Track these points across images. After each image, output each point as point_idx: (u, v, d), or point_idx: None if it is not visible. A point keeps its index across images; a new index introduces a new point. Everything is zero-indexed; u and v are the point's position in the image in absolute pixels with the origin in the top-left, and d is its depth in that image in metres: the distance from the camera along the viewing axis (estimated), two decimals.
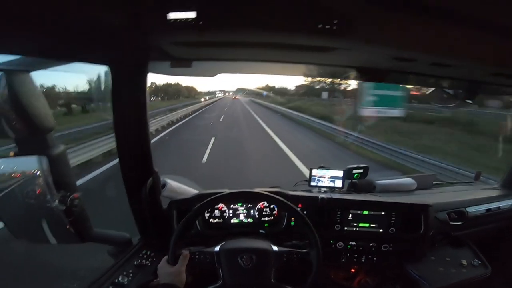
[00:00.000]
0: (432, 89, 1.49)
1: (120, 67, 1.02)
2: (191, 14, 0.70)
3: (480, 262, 1.40)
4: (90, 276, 1.15)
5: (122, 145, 1.14)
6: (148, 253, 1.25)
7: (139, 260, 1.21)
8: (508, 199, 1.67)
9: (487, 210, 1.59)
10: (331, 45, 0.89)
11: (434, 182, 1.81)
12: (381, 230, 1.37)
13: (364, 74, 1.26)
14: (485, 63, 1.04)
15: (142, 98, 1.09)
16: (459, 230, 1.52)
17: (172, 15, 0.70)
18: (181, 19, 0.70)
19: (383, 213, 1.36)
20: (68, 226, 1.03)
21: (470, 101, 1.38)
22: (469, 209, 1.55)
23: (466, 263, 1.38)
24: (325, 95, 28.24)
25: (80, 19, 0.69)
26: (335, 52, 0.94)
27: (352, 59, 1.11)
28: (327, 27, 0.72)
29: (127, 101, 1.07)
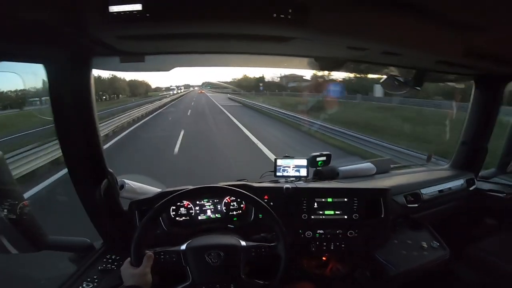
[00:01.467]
0: (385, 77, 1.56)
1: (58, 65, 0.94)
2: (136, 7, 0.66)
3: (438, 244, 1.48)
4: (51, 285, 1.11)
5: (67, 149, 1.07)
6: (113, 257, 1.20)
7: (104, 265, 1.16)
8: (458, 179, 1.79)
9: (440, 191, 1.68)
10: (288, 34, 0.89)
11: (392, 166, 1.90)
12: (346, 217, 1.40)
13: (322, 64, 1.28)
14: (429, 51, 1.11)
15: (86, 96, 1.03)
16: (416, 213, 1.60)
17: (115, 8, 0.66)
18: (125, 12, 0.66)
19: (346, 199, 1.40)
20: (20, 235, 0.99)
21: (418, 88, 1.48)
22: (423, 191, 1.63)
23: (426, 246, 1.45)
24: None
25: (10, 13, 0.62)
26: (292, 42, 0.95)
27: (309, 49, 1.13)
28: (282, 16, 0.72)
29: (69, 100, 1.00)
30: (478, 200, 1.83)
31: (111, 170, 1.19)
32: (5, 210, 0.93)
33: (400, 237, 1.51)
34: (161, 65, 1.28)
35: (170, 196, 1.05)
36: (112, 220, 1.21)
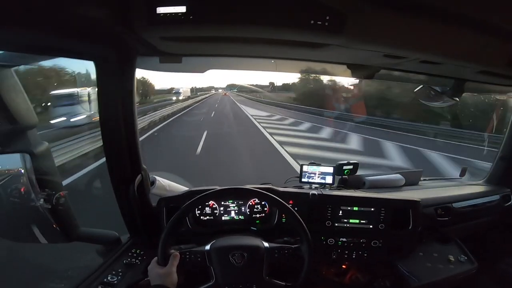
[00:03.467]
0: (421, 86, 1.51)
1: (106, 63, 0.99)
2: (181, 9, 0.69)
3: (466, 258, 1.42)
4: (78, 276, 1.13)
5: (109, 143, 1.12)
6: (137, 251, 1.23)
7: (129, 259, 1.19)
8: (493, 194, 1.70)
9: (473, 205, 1.61)
10: (323, 41, 0.89)
11: (422, 178, 1.84)
12: (371, 226, 1.38)
13: (355, 71, 1.26)
14: (472, 61, 1.06)
15: (130, 94, 1.07)
16: (446, 226, 1.54)
17: (161, 10, 0.69)
18: (170, 14, 0.69)
19: (372, 209, 1.37)
20: (54, 225, 1.02)
21: (457, 99, 1.41)
22: (455, 205, 1.57)
23: (453, 259, 1.40)
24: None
25: (65, 12, 0.67)
26: (327, 48, 0.94)
27: (343, 56, 1.12)
28: (319, 23, 0.73)
29: (114, 97, 1.05)
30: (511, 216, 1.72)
31: (145, 167, 1.23)
32: (42, 200, 0.96)
33: (426, 249, 1.47)
34: (196, 67, 1.32)
35: (199, 196, 1.07)
36: (141, 215, 1.24)
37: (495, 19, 0.72)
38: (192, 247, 1.11)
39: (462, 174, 1.89)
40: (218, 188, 1.14)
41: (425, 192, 1.67)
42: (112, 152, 1.13)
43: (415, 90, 1.55)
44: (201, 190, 1.17)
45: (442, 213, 1.53)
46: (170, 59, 1.09)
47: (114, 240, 1.30)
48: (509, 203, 1.73)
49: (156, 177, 1.37)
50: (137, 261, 1.19)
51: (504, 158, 1.75)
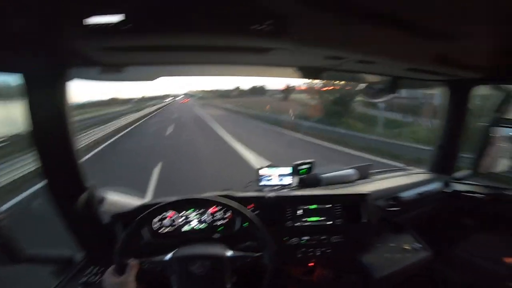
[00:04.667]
0: (365, 84, 1.62)
1: (35, 76, 0.93)
2: (118, 18, 0.66)
3: (420, 245, 1.52)
4: None
5: (45, 161, 1.04)
6: (95, 269, 1.17)
7: (86, 278, 1.13)
8: (435, 181, 1.85)
9: (418, 194, 1.72)
10: (267, 45, 0.91)
11: (371, 171, 1.94)
12: (330, 223, 1.42)
13: (304, 73, 1.31)
14: (400, 59, 1.17)
15: (63, 107, 1.01)
16: (397, 216, 1.63)
17: (96, 19, 0.65)
18: (107, 24, 0.66)
19: (329, 205, 1.42)
20: None
21: (394, 94, 1.53)
22: (403, 194, 1.66)
23: (408, 248, 1.49)
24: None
25: None
26: (271, 52, 0.97)
27: (289, 59, 1.15)
28: (261, 28, 0.74)
29: (46, 111, 0.98)
30: (454, 201, 1.88)
31: (91, 183, 1.17)
32: None
33: (383, 240, 1.54)
34: (144, 75, 1.29)
35: (152, 208, 1.04)
36: (94, 233, 1.19)
37: (418, 19, 0.79)
38: (151, 257, 1.07)
39: (407, 164, 2.04)
40: (174, 199, 1.11)
41: (375, 184, 1.76)
42: (50, 172, 1.06)
43: (360, 89, 1.66)
44: (156, 203, 1.13)
45: (393, 203, 1.62)
46: (111, 69, 1.05)
47: (67, 260, 1.23)
48: (450, 189, 1.87)
49: (106, 193, 1.31)
50: (95, 279, 1.13)
51: (442, 147, 1.92)
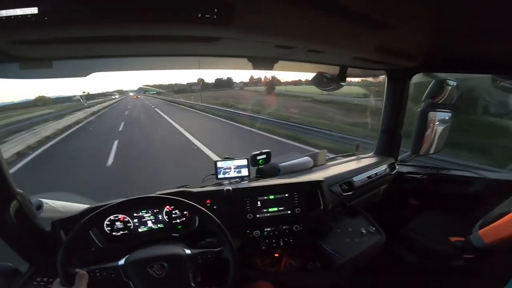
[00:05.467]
0: (315, 74, 1.66)
1: None
2: (31, 10, 0.59)
3: (374, 228, 1.60)
4: None
5: None
6: (44, 279, 1.08)
7: None
8: (381, 164, 1.98)
9: (368, 177, 1.82)
10: (214, 34, 0.89)
11: (326, 157, 2.03)
12: (289, 212, 1.44)
13: (255, 63, 1.30)
14: (347, 48, 1.22)
15: None
16: (351, 200, 1.71)
17: (4, 12, 0.59)
18: (17, 16, 0.59)
19: (287, 195, 1.44)
20: None
21: (343, 83, 1.60)
22: (355, 179, 1.75)
23: (365, 231, 1.55)
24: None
25: None
26: (220, 41, 0.94)
27: (239, 49, 1.13)
28: (207, 16, 0.71)
29: None
30: (400, 182, 2.04)
31: (20, 191, 1.07)
32: None
33: (341, 225, 1.59)
34: (74, 71, 1.16)
35: (95, 212, 0.97)
36: (34, 242, 1.10)
37: (361, 10, 0.82)
38: (102, 264, 1.00)
39: (356, 149, 2.17)
40: (119, 200, 1.04)
41: (330, 170, 1.83)
42: None
43: (311, 79, 1.70)
44: (102, 205, 1.06)
45: (346, 188, 1.69)
46: (35, 65, 0.94)
47: (11, 272, 1.13)
48: (395, 171, 2.03)
49: (43, 200, 1.18)
50: None
51: (384, 131, 2.07)
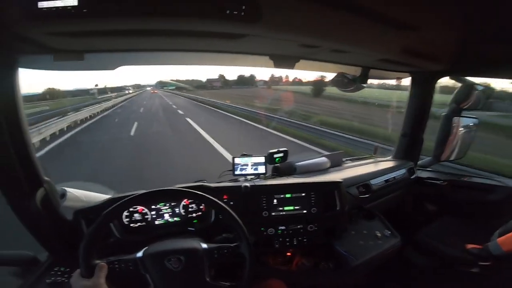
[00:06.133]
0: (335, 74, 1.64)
1: None
2: (71, 2, 0.61)
3: (390, 232, 1.58)
4: None
5: None
6: (61, 269, 1.10)
7: (52, 278, 1.06)
8: (400, 168, 1.94)
9: (386, 181, 1.80)
10: (240, 31, 0.89)
11: (343, 159, 2.01)
12: (305, 211, 1.43)
13: (277, 61, 1.29)
14: (372, 49, 1.20)
15: (13, 98, 0.93)
16: (368, 203, 1.69)
17: (45, 4, 0.60)
18: (57, 8, 0.61)
19: (303, 194, 1.43)
20: None
21: (364, 85, 1.58)
22: (372, 181, 1.72)
23: (380, 235, 1.54)
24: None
25: None
26: (245, 39, 0.94)
27: (263, 46, 1.13)
28: (235, 12, 0.71)
29: None
30: (419, 188, 1.99)
31: (47, 178, 1.09)
32: None
33: (356, 228, 1.57)
34: (104, 64, 1.20)
35: (118, 203, 0.98)
36: (56, 231, 1.12)
37: (389, 11, 0.81)
38: (121, 256, 1.01)
39: (375, 152, 2.13)
40: (141, 192, 1.06)
41: (347, 172, 1.81)
42: (2, 168, 0.97)
43: (331, 79, 1.69)
44: (123, 197, 1.07)
45: (363, 190, 1.67)
46: (68, 57, 0.96)
47: (30, 260, 1.14)
48: (414, 175, 1.99)
49: (67, 188, 1.21)
50: (63, 279, 1.06)
51: (405, 135, 2.02)
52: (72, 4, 0.61)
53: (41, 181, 1.07)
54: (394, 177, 1.86)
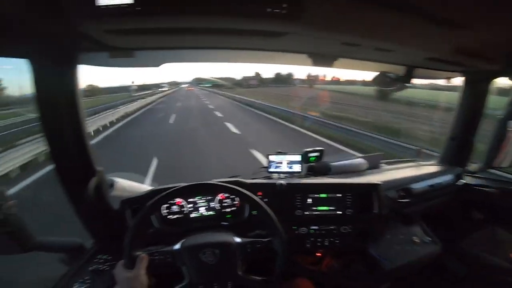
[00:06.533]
0: (377, 73, 1.58)
1: (42, 61, 0.91)
2: (126, 0, 0.64)
3: (430, 239, 1.51)
4: (42, 287, 1.07)
5: (54, 148, 1.04)
6: (104, 257, 1.17)
7: (95, 266, 1.13)
8: (446, 174, 1.83)
9: (430, 186, 1.70)
10: (281, 29, 0.88)
11: (382, 161, 1.93)
12: (340, 212, 1.40)
13: (315, 60, 1.28)
14: (420, 48, 1.13)
15: (73, 93, 1.00)
16: (407, 207, 1.61)
17: (103, 1, 0.64)
18: (114, 5, 0.64)
19: (339, 195, 1.40)
20: (6, 236, 0.96)
21: (408, 84, 1.50)
22: (414, 186, 1.64)
23: (418, 240, 1.48)
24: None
25: None
26: (285, 37, 0.94)
27: (302, 45, 1.12)
28: (276, 11, 0.71)
29: (54, 97, 0.97)
30: (466, 194, 1.86)
31: (100, 168, 1.17)
32: None
33: (392, 232, 1.53)
34: (150, 61, 1.25)
35: (162, 194, 1.02)
36: (103, 219, 1.19)
37: (441, 9, 0.77)
38: (160, 247, 1.07)
39: (418, 155, 2.02)
40: (183, 184, 1.10)
41: (386, 174, 1.74)
42: (59, 158, 1.05)
43: (373, 78, 1.63)
44: (164, 188, 1.13)
45: (403, 194, 1.60)
46: (121, 54, 1.02)
47: (77, 247, 1.22)
48: (461, 181, 1.86)
49: (114, 178, 1.30)
50: (104, 267, 1.13)
51: (454, 138, 1.88)
52: (127, 2, 0.64)
53: (95, 170, 1.14)
54: (439, 182, 1.76)
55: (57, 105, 0.98)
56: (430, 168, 1.91)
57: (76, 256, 1.20)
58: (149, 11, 0.68)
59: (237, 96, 25.99)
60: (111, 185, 1.27)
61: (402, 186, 1.62)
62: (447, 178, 1.81)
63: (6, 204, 0.94)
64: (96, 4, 0.64)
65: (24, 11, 0.63)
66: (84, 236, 1.24)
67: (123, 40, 0.92)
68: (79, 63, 1.00)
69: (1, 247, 1.03)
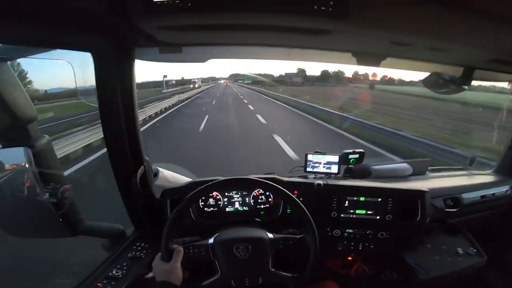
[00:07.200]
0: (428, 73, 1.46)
1: (104, 54, 0.97)
2: None
3: (475, 250, 1.40)
4: (83, 270, 1.13)
5: (109, 136, 1.11)
6: (142, 244, 1.24)
7: (133, 252, 1.20)
8: (503, 185, 1.67)
9: (482, 196, 1.58)
10: (327, 27, 0.86)
11: (429, 168, 1.81)
12: (378, 217, 1.36)
13: (360, 59, 1.23)
14: (483, 48, 1.02)
15: (129, 86, 1.06)
16: (454, 217, 1.52)
17: None
18: (168, 1, 0.67)
19: (379, 199, 1.35)
20: (59, 220, 1.00)
21: (466, 87, 1.37)
22: (464, 196, 1.54)
23: (461, 252, 1.38)
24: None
25: (60, 3, 0.64)
26: (331, 35, 0.91)
27: (347, 43, 1.09)
28: (323, 8, 0.70)
29: (113, 89, 1.04)
30: None
31: (147, 158, 1.22)
32: (47, 194, 0.95)
33: (434, 241, 1.45)
34: (197, 56, 1.29)
35: (203, 186, 1.05)
36: (145, 207, 1.23)
37: (505, 8, 0.68)
38: (195, 240, 1.11)
39: (471, 163, 1.85)
40: (222, 178, 1.13)
41: (433, 182, 1.64)
42: (113, 145, 1.13)
43: (423, 79, 1.51)
44: (204, 181, 1.16)
45: (451, 204, 1.51)
46: (170, 49, 1.07)
47: (119, 234, 1.30)
48: None
49: (159, 168, 1.37)
50: (141, 254, 1.20)
51: None
52: None
53: (143, 159, 1.20)
54: (493, 193, 1.62)
55: (115, 96, 1.05)
56: (484, 178, 1.78)
57: (117, 242, 1.26)
58: (199, 8, 0.70)
59: (291, 98, 19.59)
60: (155, 174, 1.33)
61: (451, 195, 1.53)
62: (502, 189, 1.66)
63: (63, 188, 0.99)
64: (153, 1, 0.67)
65: (89, 7, 0.68)
66: (125, 223, 1.31)
67: (173, 35, 0.95)
68: (136, 58, 1.06)
69: (54, 230, 1.09)
